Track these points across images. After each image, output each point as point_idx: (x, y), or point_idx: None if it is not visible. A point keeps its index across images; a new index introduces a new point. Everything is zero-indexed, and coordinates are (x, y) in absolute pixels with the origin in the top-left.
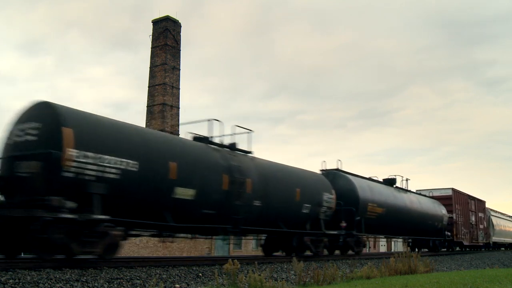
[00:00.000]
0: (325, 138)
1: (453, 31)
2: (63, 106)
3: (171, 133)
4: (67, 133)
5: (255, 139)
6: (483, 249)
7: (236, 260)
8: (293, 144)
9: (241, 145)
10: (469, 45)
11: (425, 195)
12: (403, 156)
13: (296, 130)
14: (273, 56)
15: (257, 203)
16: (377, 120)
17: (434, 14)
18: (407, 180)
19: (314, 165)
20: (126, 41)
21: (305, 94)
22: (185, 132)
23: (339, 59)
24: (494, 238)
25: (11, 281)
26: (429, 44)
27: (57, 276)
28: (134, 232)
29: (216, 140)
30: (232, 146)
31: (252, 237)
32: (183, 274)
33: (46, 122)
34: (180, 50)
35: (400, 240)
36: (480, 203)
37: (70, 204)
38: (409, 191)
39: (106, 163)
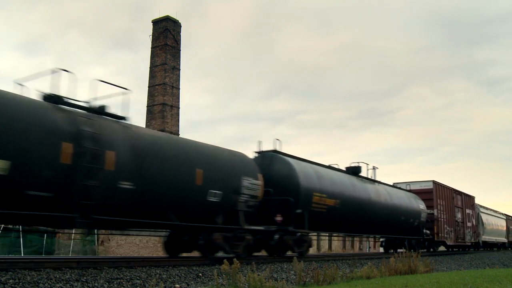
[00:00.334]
0: (325, 138)
1: (453, 31)
2: None
3: (171, 133)
4: None
5: (255, 139)
6: (472, 249)
7: (236, 260)
8: (293, 144)
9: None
10: (469, 45)
11: (399, 188)
12: (403, 156)
13: (296, 130)
14: (273, 56)
15: (125, 184)
16: (377, 120)
17: (434, 14)
18: (374, 168)
19: None
20: (126, 41)
21: (305, 94)
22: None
23: (339, 59)
24: (484, 237)
25: (11, 281)
26: (429, 44)
27: (57, 276)
28: None
29: (80, 103)
30: (100, 109)
31: (120, 233)
32: (183, 274)
33: None
34: (180, 50)
35: (372, 239)
36: (469, 198)
37: None
38: (378, 182)
39: None
